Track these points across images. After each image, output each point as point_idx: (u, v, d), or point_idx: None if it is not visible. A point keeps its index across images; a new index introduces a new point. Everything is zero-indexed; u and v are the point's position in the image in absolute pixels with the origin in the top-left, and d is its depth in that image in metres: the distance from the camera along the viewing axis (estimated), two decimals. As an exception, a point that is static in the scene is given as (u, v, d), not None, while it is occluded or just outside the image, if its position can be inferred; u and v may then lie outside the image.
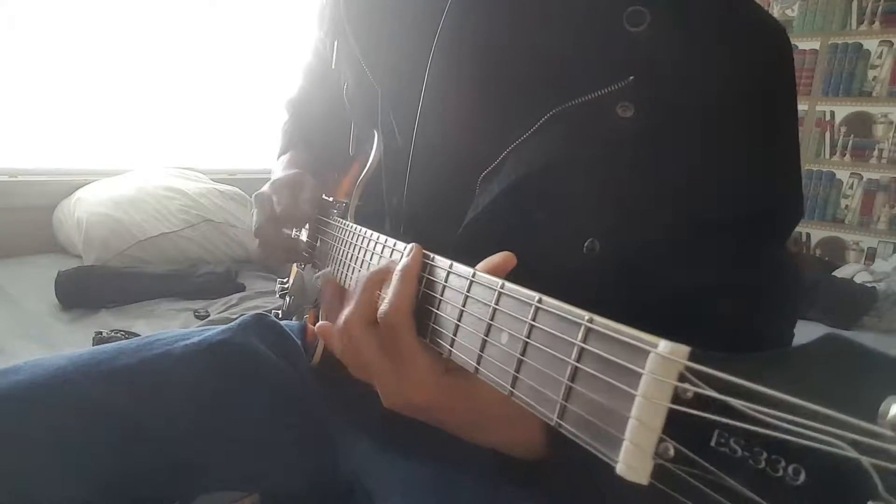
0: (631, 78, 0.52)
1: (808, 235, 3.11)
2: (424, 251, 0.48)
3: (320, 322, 0.57)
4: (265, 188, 0.84)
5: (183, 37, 2.37)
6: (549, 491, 0.52)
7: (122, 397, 0.67)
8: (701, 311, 0.54)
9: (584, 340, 0.28)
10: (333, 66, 0.81)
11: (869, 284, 2.47)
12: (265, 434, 0.75)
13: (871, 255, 2.93)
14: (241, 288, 1.83)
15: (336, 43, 0.80)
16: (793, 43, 0.57)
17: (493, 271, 0.41)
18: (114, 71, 2.21)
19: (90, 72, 2.15)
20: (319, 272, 0.83)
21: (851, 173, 2.95)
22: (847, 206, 2.98)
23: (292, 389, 0.79)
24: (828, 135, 3.00)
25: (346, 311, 0.51)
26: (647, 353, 0.24)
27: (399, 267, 0.47)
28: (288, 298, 0.99)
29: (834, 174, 3.00)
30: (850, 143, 2.94)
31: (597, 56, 0.55)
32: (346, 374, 0.76)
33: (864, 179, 2.92)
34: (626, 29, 0.53)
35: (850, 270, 2.71)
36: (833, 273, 2.71)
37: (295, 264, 0.96)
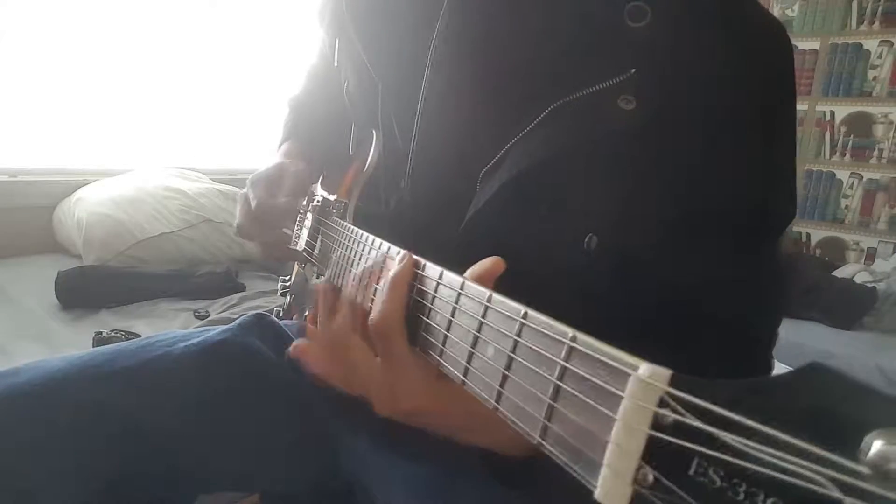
0: (633, 71, 0.52)
1: (808, 235, 3.10)
2: (416, 258, 0.48)
3: (299, 341, 0.57)
4: (245, 187, 0.84)
5: (183, 37, 2.37)
6: (540, 489, 0.52)
7: (121, 399, 0.67)
8: (697, 307, 0.54)
9: (567, 359, 0.28)
10: (336, 65, 0.81)
11: (869, 284, 2.46)
12: (265, 434, 0.75)
13: (871, 255, 2.92)
14: (241, 288, 1.83)
15: (337, 41, 0.80)
16: (793, 43, 0.58)
17: (481, 278, 0.41)
18: (114, 71, 2.21)
19: (90, 72, 2.15)
20: (317, 276, 0.83)
21: (851, 173, 2.95)
22: (847, 206, 2.98)
23: (292, 389, 0.78)
24: (828, 135, 2.99)
25: (336, 319, 0.51)
26: (627, 375, 0.24)
27: (391, 275, 0.47)
28: (289, 297, 0.99)
29: (834, 174, 3.00)
30: (850, 143, 2.93)
31: (598, 50, 0.55)
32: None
33: (864, 179, 2.92)
34: (627, 24, 0.54)
35: (850, 270, 2.70)
36: (833, 273, 2.71)
37: (296, 263, 0.96)
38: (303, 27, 2.53)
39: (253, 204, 0.80)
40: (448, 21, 0.64)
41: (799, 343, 2.10)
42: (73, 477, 0.62)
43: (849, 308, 2.30)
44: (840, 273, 2.71)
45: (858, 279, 2.56)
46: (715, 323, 0.55)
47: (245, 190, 0.84)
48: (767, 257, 0.60)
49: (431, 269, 0.45)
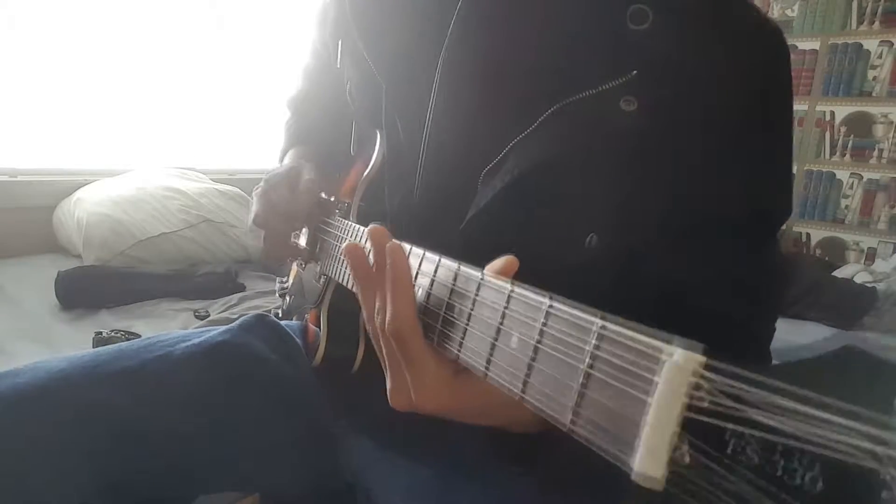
0: (634, 72, 0.53)
1: (808, 235, 3.11)
2: (428, 252, 0.48)
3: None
4: (261, 184, 0.84)
5: (183, 37, 2.37)
6: (547, 466, 0.52)
7: (122, 399, 0.67)
8: (697, 305, 0.54)
9: (597, 346, 0.28)
10: (338, 66, 0.81)
11: (869, 284, 2.47)
12: (266, 435, 0.75)
13: (871, 255, 2.93)
14: (241, 288, 1.83)
15: (340, 42, 0.80)
16: (793, 43, 0.59)
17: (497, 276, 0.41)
18: (114, 71, 2.21)
19: (90, 72, 2.15)
20: (320, 276, 0.83)
21: (851, 173, 2.96)
22: (847, 206, 2.99)
23: (293, 390, 0.79)
24: (828, 135, 3.00)
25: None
26: (662, 360, 0.24)
27: (387, 274, 0.46)
28: (288, 298, 0.99)
29: (834, 174, 3.01)
30: (850, 143, 2.95)
31: (600, 53, 0.56)
32: (347, 375, 0.76)
33: (864, 179, 2.93)
34: (628, 27, 0.55)
35: (850, 270, 2.71)
36: (833, 273, 2.71)
37: (295, 263, 0.96)
38: (302, 27, 2.54)
39: (275, 198, 0.80)
40: (460, 25, 0.64)
41: (799, 343, 2.10)
42: (73, 477, 0.62)
43: (849, 308, 2.30)
44: (840, 273, 2.71)
45: (858, 279, 2.57)
46: (715, 320, 0.55)
47: (261, 186, 0.83)
48: (766, 254, 0.60)
49: (448, 262, 0.45)
